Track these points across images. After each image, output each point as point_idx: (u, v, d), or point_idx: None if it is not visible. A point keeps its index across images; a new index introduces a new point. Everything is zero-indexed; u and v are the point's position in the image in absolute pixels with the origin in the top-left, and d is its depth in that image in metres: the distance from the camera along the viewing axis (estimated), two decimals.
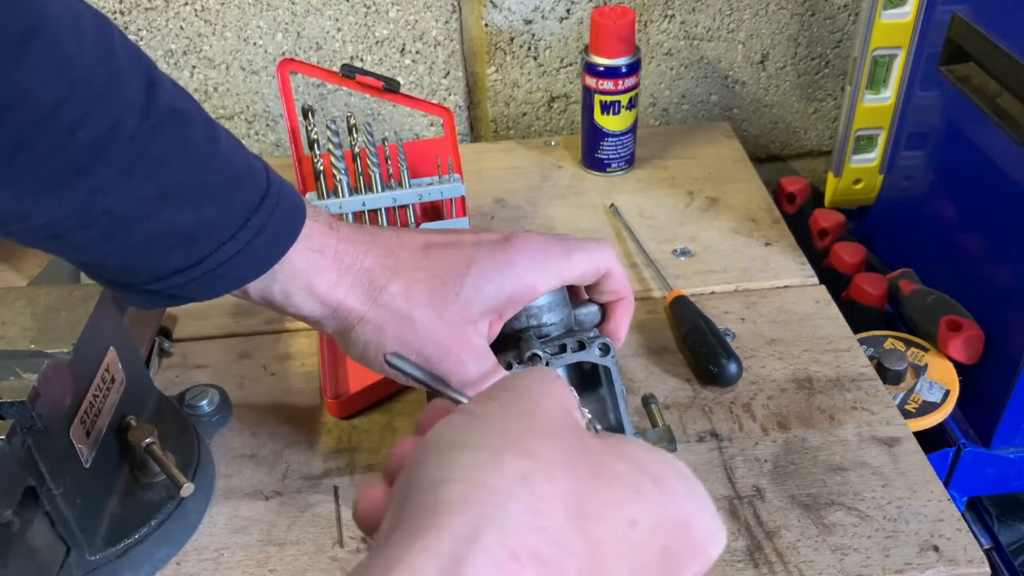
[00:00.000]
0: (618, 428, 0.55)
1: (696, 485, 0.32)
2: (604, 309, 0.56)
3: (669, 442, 0.57)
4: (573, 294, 0.56)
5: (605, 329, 0.56)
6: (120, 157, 0.41)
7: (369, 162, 0.74)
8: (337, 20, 0.97)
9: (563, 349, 0.52)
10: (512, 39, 1.00)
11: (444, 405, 0.37)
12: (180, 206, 0.43)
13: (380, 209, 0.76)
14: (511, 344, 0.53)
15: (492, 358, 0.50)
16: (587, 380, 0.56)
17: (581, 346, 0.52)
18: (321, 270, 0.48)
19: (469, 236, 0.51)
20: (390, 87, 0.74)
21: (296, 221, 0.47)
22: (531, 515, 0.27)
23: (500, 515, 0.26)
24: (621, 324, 0.56)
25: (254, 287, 0.47)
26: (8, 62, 0.37)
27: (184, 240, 0.44)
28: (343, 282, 0.48)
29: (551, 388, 0.33)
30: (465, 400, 0.36)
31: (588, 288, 0.55)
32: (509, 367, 0.51)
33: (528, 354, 0.50)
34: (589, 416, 0.38)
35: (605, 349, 0.53)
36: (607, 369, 0.54)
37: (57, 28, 0.38)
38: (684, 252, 0.83)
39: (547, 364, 0.51)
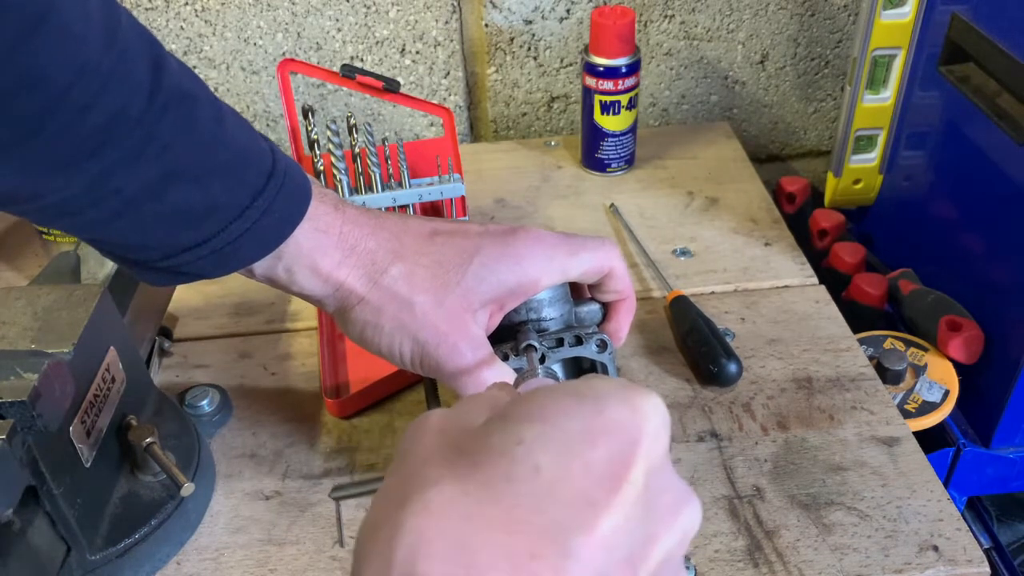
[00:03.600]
0: None
1: (586, 387, 0.29)
2: (606, 308, 0.56)
3: None
4: (576, 292, 0.56)
5: (606, 328, 0.56)
6: (128, 139, 0.41)
7: (369, 162, 0.74)
8: (337, 20, 0.97)
9: (560, 343, 0.52)
10: (512, 39, 1.00)
11: None
12: (188, 186, 0.44)
13: (380, 209, 0.76)
14: (509, 336, 0.53)
15: (488, 348, 0.50)
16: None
17: (579, 341, 0.52)
18: (325, 250, 0.48)
19: (476, 227, 0.52)
20: (390, 87, 0.74)
21: (301, 201, 0.48)
22: (414, 554, 0.25)
23: None
24: (623, 324, 0.56)
25: (259, 265, 0.48)
26: (19, 46, 0.37)
27: (192, 219, 0.45)
28: (346, 262, 0.49)
29: (426, 423, 0.31)
30: None
31: (591, 287, 0.55)
32: (505, 358, 0.51)
33: (524, 345, 0.50)
34: (549, 374, 0.36)
35: (602, 345, 0.53)
36: (604, 366, 0.54)
37: (66, 11, 0.39)
38: (684, 252, 0.83)
39: (543, 357, 0.51)
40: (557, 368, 0.55)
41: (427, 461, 0.29)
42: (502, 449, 0.27)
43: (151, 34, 0.44)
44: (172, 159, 0.43)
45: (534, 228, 0.52)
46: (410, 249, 0.50)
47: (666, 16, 1.00)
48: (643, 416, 0.28)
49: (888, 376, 0.73)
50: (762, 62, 1.04)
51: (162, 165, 0.43)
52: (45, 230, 0.79)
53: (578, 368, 0.56)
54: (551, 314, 0.53)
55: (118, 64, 0.41)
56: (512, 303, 0.52)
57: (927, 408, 0.73)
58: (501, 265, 0.50)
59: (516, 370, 0.51)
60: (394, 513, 0.27)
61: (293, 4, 0.95)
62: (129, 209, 0.43)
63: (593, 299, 0.56)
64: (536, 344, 0.51)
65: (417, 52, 1.00)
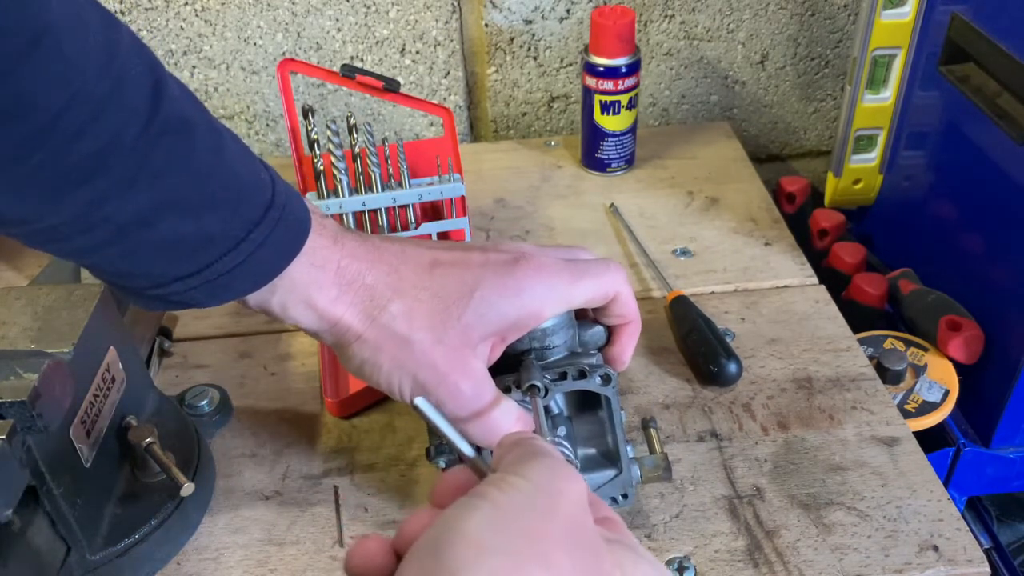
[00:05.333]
0: (615, 452, 0.55)
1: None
2: (610, 331, 0.56)
3: (665, 470, 0.56)
4: (580, 313, 0.56)
5: (610, 352, 0.55)
6: (121, 167, 0.40)
7: (369, 162, 0.74)
8: (337, 20, 0.97)
9: (564, 376, 0.52)
10: (512, 39, 1.00)
11: (460, 478, 0.36)
12: (181, 217, 0.43)
13: (380, 209, 0.76)
14: (513, 365, 0.52)
15: (489, 382, 0.50)
16: (588, 400, 0.56)
17: (582, 374, 0.52)
18: (321, 285, 0.47)
19: (477, 256, 0.50)
20: (390, 87, 0.74)
21: (299, 236, 0.47)
22: None
23: None
24: (626, 348, 0.55)
25: (252, 297, 0.47)
26: (11, 71, 0.36)
27: (185, 250, 0.44)
28: (343, 299, 0.48)
29: (573, 489, 0.32)
30: (485, 468, 0.35)
31: (595, 310, 0.55)
32: (507, 391, 0.51)
33: (526, 386, 0.50)
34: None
35: (606, 379, 0.52)
36: (608, 399, 0.54)
37: (61, 35, 0.38)
38: (684, 252, 0.83)
39: (546, 393, 0.50)
40: (560, 396, 0.55)
41: (570, 541, 0.30)
42: None
43: (153, 56, 0.43)
44: (166, 189, 0.42)
45: (537, 255, 0.51)
46: (409, 283, 0.49)
47: (666, 16, 1.00)
48: None
49: (888, 376, 0.73)
50: (762, 62, 1.04)
51: (155, 194, 0.42)
52: None
53: (583, 393, 0.55)
54: (555, 342, 0.53)
55: (114, 90, 0.39)
56: (514, 335, 0.51)
57: (927, 408, 0.73)
58: (503, 299, 0.49)
59: (519, 402, 0.51)
60: (533, 567, 0.28)
61: (293, 4, 0.95)
62: (119, 238, 0.42)
63: (597, 321, 0.55)
64: (539, 384, 0.50)
65: (417, 52, 1.00)
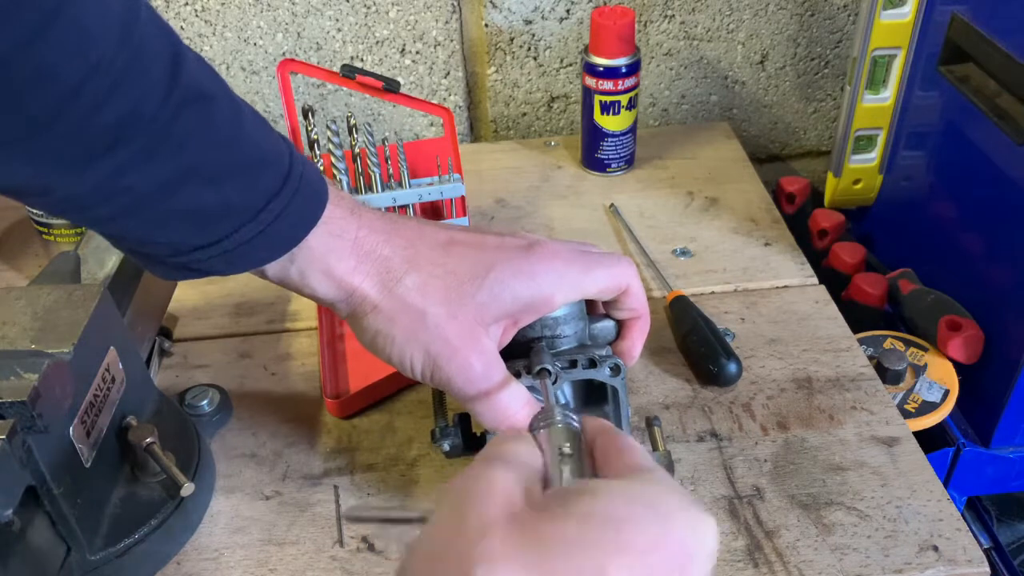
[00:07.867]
0: None
1: (657, 498, 0.31)
2: (620, 325, 0.56)
3: (668, 467, 0.56)
4: (590, 307, 0.56)
5: (619, 346, 0.56)
6: (142, 137, 0.41)
7: (369, 162, 0.74)
8: (337, 20, 0.97)
9: (574, 364, 0.52)
10: (512, 39, 1.00)
11: None
12: (201, 186, 0.43)
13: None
14: (523, 352, 0.52)
15: (500, 363, 0.50)
16: (595, 394, 0.56)
17: (592, 364, 0.52)
18: (339, 254, 0.48)
19: (493, 239, 0.51)
20: (390, 87, 0.74)
21: (317, 205, 0.47)
22: None
23: None
24: (636, 343, 0.56)
25: (271, 267, 0.48)
26: (33, 40, 0.37)
27: (205, 219, 0.44)
28: (360, 268, 0.48)
29: (480, 485, 0.32)
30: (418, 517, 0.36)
31: (606, 304, 0.55)
32: (518, 375, 0.51)
33: (537, 368, 0.50)
34: (568, 450, 0.36)
35: (616, 370, 0.52)
36: (616, 390, 0.54)
37: (81, 5, 0.38)
38: (684, 252, 0.83)
39: (556, 379, 0.50)
40: (567, 388, 0.55)
41: (490, 531, 0.29)
42: (570, 546, 0.29)
43: (170, 28, 0.43)
44: (186, 159, 0.42)
45: (551, 244, 0.51)
46: (425, 258, 0.49)
47: (666, 16, 1.00)
48: (703, 538, 0.30)
49: (888, 376, 0.73)
50: (762, 62, 1.04)
51: (176, 165, 0.42)
52: (45, 230, 0.79)
53: (589, 384, 0.56)
54: (565, 331, 0.53)
55: (133, 61, 0.40)
56: (526, 319, 0.51)
57: (927, 408, 0.73)
58: (517, 281, 0.49)
59: (528, 388, 0.51)
60: None
61: (293, 4, 0.95)
62: (140, 207, 0.43)
63: (608, 316, 0.56)
64: (550, 368, 0.50)
65: (417, 52, 1.00)
